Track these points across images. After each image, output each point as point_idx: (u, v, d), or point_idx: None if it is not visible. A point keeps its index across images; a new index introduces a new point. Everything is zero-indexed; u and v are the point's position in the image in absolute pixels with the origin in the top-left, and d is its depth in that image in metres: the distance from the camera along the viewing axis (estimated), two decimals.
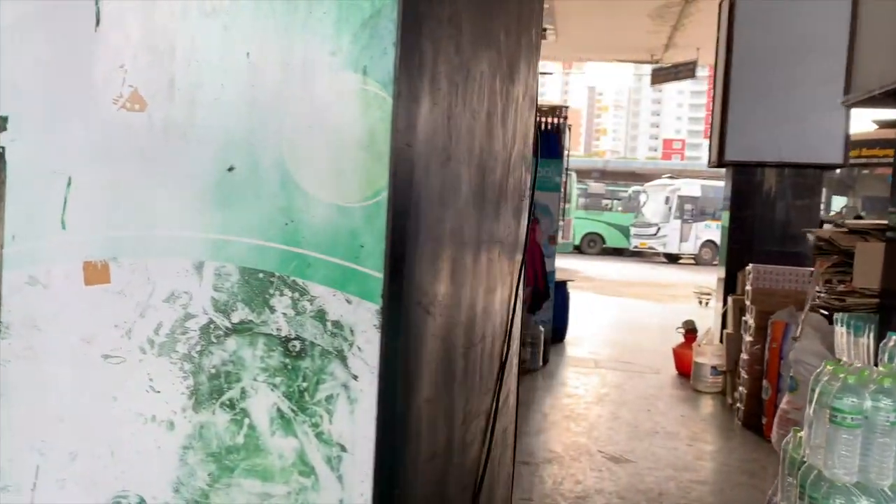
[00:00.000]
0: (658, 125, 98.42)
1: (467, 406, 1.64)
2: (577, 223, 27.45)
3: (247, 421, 1.03)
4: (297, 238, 1.04)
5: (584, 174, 31.58)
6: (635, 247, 27.26)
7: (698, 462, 5.33)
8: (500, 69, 1.58)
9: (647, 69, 16.96)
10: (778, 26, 7.09)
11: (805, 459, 3.34)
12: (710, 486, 4.87)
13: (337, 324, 1.06)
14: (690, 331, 8.06)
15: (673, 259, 26.27)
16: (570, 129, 10.68)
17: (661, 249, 26.67)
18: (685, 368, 7.73)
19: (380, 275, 1.02)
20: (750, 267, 6.45)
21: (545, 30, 12.37)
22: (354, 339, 1.05)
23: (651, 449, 5.49)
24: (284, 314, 1.05)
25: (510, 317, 2.01)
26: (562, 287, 9.75)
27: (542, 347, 8.05)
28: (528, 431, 5.70)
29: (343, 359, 1.05)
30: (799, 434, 3.51)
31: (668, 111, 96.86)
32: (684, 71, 15.62)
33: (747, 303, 6.33)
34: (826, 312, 4.66)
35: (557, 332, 9.58)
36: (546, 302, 8.34)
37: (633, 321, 12.09)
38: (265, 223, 1.04)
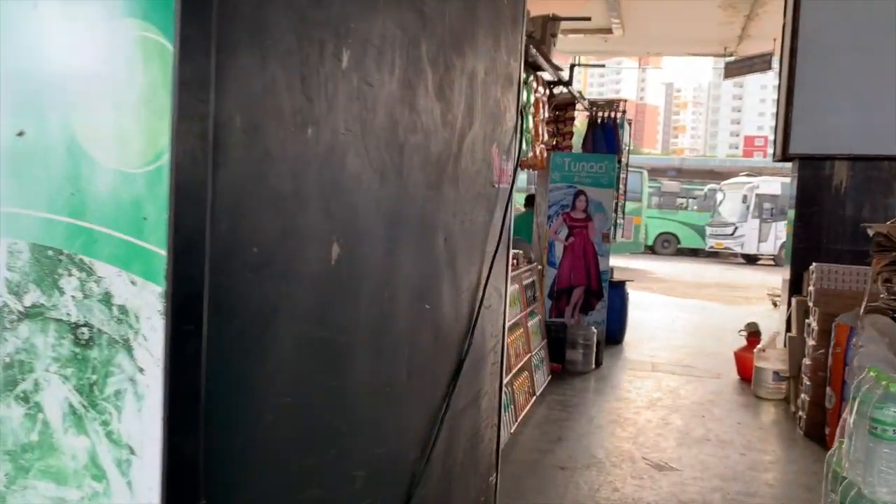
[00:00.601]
0: (739, 121, 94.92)
1: (383, 410, 1.49)
2: (651, 223, 26.71)
3: (41, 416, 0.91)
4: (83, 210, 0.92)
5: (658, 172, 30.71)
6: (711, 247, 26.29)
7: (750, 473, 4.99)
8: (431, 37, 1.46)
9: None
10: (847, 8, 6.61)
11: (846, 475, 3.04)
12: (761, 500, 4.55)
13: (122, 309, 0.93)
14: (753, 334, 7.64)
15: (751, 260, 25.19)
16: (629, 123, 10.35)
17: (738, 250, 25.62)
18: (747, 374, 7.32)
19: (164, 252, 0.91)
20: (813, 266, 6.04)
21: (611, 24, 12.04)
22: (140, 326, 0.92)
23: (700, 457, 5.19)
24: (73, 297, 0.93)
25: (476, 311, 1.87)
26: (619, 287, 9.42)
27: (594, 349, 7.78)
28: (569, 436, 5.50)
29: (129, 349, 0.92)
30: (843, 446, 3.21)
31: (749, 107, 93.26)
32: (759, 63, 14.87)
33: (810, 304, 5.92)
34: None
35: (614, 334, 9.26)
36: (600, 302, 8.06)
37: (700, 324, 11.60)
38: (53, 193, 0.92)
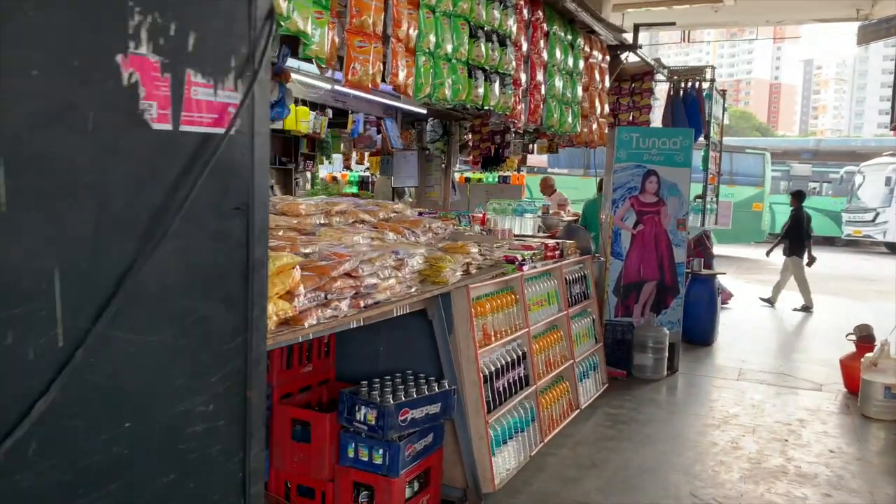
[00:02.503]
0: (889, 98, 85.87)
1: None
2: (778, 209, 24.42)
3: None
4: None
5: (790, 155, 28.25)
6: (848, 235, 23.70)
7: None
8: None
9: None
10: None
11: None
12: None
13: None
14: (865, 338, 6.31)
15: (895, 249, 22.39)
16: (723, 95, 9.06)
17: (879, 238, 22.90)
18: (854, 386, 6.04)
19: None
20: None
21: None
22: None
23: (767, 497, 4.14)
24: None
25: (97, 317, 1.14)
26: (706, 282, 8.24)
27: (666, 353, 6.73)
28: (606, 462, 4.58)
29: None
30: None
31: None
32: None
33: None
34: None
35: (700, 334, 8.11)
36: (675, 300, 6.98)
37: (815, 323, 10.08)
38: None
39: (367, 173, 10.60)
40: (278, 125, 6.24)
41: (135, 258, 1.05)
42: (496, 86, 4.40)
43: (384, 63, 3.41)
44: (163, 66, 1.09)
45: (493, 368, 4.12)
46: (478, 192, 8.80)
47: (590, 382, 5.77)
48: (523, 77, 4.95)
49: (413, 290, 3.44)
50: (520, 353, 4.53)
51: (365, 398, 3.41)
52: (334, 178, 10.79)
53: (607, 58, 6.60)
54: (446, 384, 3.67)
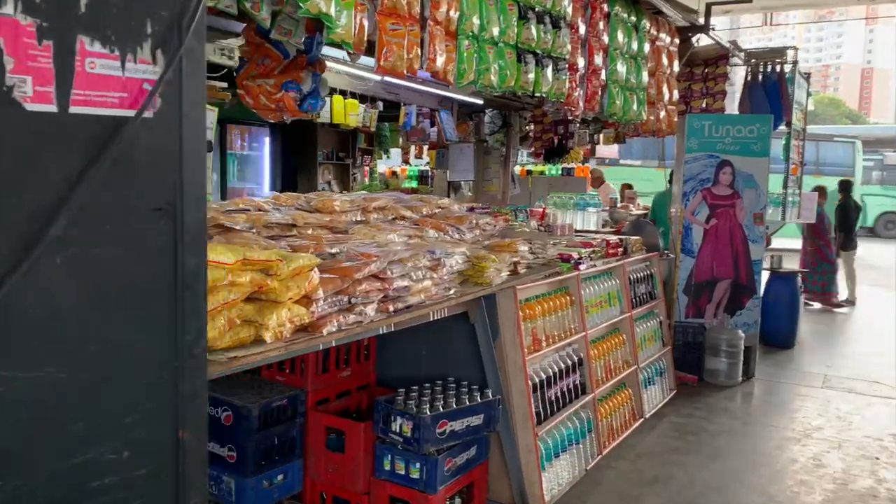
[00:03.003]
0: None
1: None
2: (870, 201, 22.94)
3: None
4: None
5: (884, 143, 26.49)
6: None
7: None
8: None
9: None
10: None
11: None
12: None
13: None
14: None
15: None
16: (807, 78, 8.40)
17: None
18: None
19: None
20: None
21: None
22: None
23: None
24: None
25: None
26: (788, 280, 7.66)
27: (741, 358, 6.25)
28: (670, 478, 4.21)
29: None
30: None
31: None
32: None
33: None
34: None
35: (780, 336, 7.55)
36: (751, 300, 6.47)
37: None
38: None
39: (427, 167, 10.40)
40: (326, 118, 6.08)
41: (5, 273, 0.83)
42: (548, 71, 4.09)
43: (421, 48, 3.16)
44: (40, 31, 0.86)
45: (544, 376, 3.82)
46: (540, 186, 8.46)
47: (656, 389, 5.38)
48: (581, 62, 4.61)
49: (452, 291, 3.18)
50: (576, 358, 4.21)
51: (401, 408, 3.19)
52: (394, 173, 10.63)
53: (676, 40, 6.15)
54: (490, 394, 3.40)
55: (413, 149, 9.07)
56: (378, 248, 2.92)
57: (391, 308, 2.73)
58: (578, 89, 4.58)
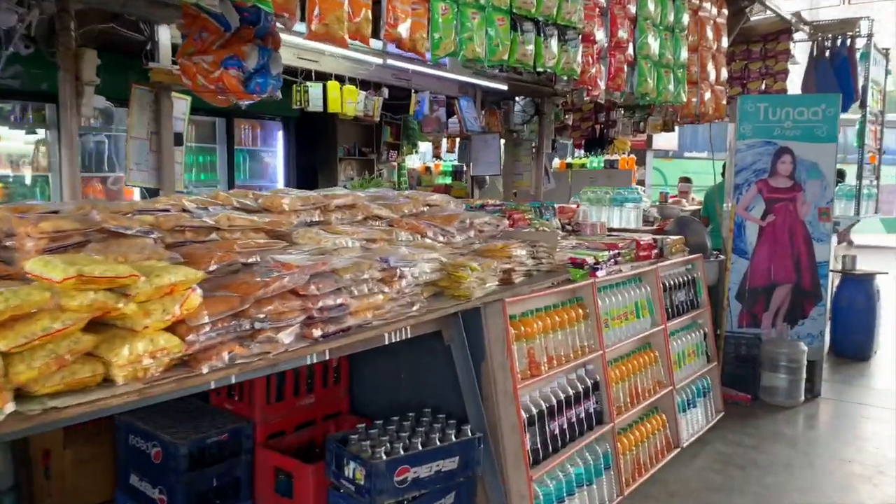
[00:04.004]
0: None
1: None
2: None
3: None
4: None
5: None
6: None
7: None
8: None
9: None
10: None
11: None
12: None
13: None
14: None
15: None
16: (885, 54, 7.43)
17: None
18: None
19: None
20: None
21: None
22: None
23: None
24: None
25: None
26: (863, 283, 6.74)
27: (804, 374, 5.43)
28: None
29: None
30: None
31: None
32: None
33: None
34: None
35: (853, 348, 6.66)
36: (816, 308, 5.64)
37: None
38: None
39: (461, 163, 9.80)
40: (317, 107, 5.52)
41: None
42: (553, 41, 3.45)
43: (376, 10, 2.60)
44: None
45: (545, 405, 3.19)
46: (581, 180, 7.75)
47: (697, 412, 4.66)
48: (600, 34, 3.95)
49: (415, 308, 2.61)
50: (590, 382, 3.56)
51: (354, 450, 2.63)
52: (427, 169, 10.07)
53: (724, 11, 5.39)
54: (469, 431, 2.81)
55: (445, 142, 8.48)
56: (313, 256, 2.37)
57: (318, 333, 2.18)
58: (597, 65, 3.92)
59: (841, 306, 6.80)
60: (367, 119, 6.05)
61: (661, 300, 4.39)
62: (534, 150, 7.16)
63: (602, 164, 8.91)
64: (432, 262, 2.76)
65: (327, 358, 2.28)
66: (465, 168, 9.40)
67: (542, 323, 3.28)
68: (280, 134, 7.88)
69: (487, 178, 7.69)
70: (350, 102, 5.69)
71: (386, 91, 6.08)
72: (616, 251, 4.08)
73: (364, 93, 5.88)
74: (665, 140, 14.46)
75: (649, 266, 4.37)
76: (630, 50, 4.25)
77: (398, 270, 2.50)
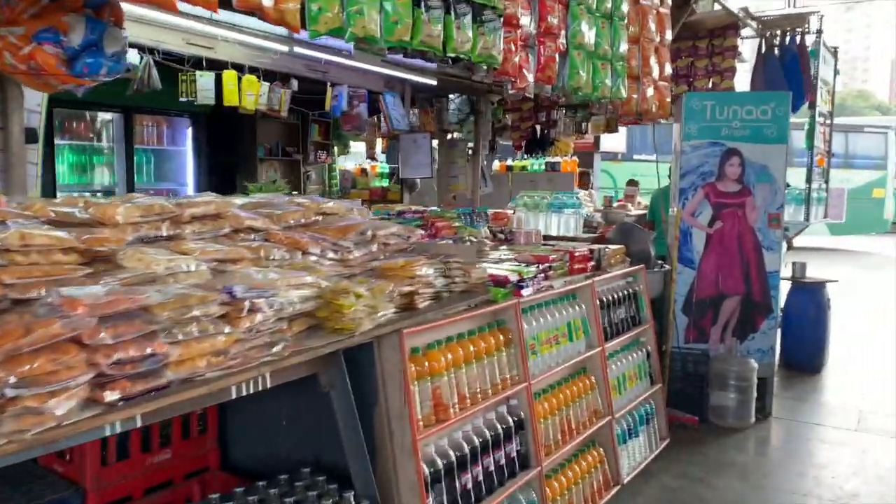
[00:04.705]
0: None
1: None
2: None
3: None
4: None
5: None
6: None
7: None
8: None
9: None
10: None
11: None
12: None
13: None
14: None
15: None
16: (834, 52, 7.14)
17: None
18: None
19: None
20: None
21: None
22: None
23: None
24: None
25: None
26: (814, 292, 6.43)
27: (754, 392, 5.04)
28: None
29: None
30: None
31: None
32: None
33: None
34: None
35: (803, 358, 6.35)
36: (766, 321, 5.25)
37: None
38: None
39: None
40: (208, 99, 4.85)
41: None
42: (466, 22, 2.93)
43: None
44: None
45: (454, 456, 2.67)
46: (522, 183, 7.27)
47: (639, 442, 4.20)
48: (525, 17, 3.45)
49: (277, 348, 2.05)
50: (512, 421, 3.04)
51: None
52: (363, 171, 9.47)
53: (668, 1, 4.96)
54: (352, 499, 2.26)
55: (379, 142, 7.90)
56: (124, 288, 1.79)
57: (113, 396, 1.60)
58: (521, 53, 3.42)
59: (791, 315, 6.47)
60: (273, 114, 5.43)
61: (598, 318, 3.91)
62: (469, 151, 6.64)
63: (543, 167, 8.46)
64: (306, 287, 2.21)
65: (138, 425, 1.71)
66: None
67: (452, 355, 2.75)
68: (189, 132, 7.16)
69: (419, 181, 7.15)
70: (250, 95, 5.03)
71: (295, 83, 5.47)
72: (546, 265, 3.58)
73: (268, 84, 5.25)
74: (614, 141, 14.13)
75: (585, 280, 3.90)
76: (562, 38, 3.77)
77: (248, 303, 1.94)
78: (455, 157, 6.53)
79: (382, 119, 5.86)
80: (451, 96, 6.63)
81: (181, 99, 4.82)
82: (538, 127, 7.19)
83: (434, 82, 5.64)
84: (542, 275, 3.56)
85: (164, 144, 7.02)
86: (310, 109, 6.89)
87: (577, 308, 3.76)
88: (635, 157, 17.76)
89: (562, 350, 3.55)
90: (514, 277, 3.19)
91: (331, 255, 2.69)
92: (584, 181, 8.76)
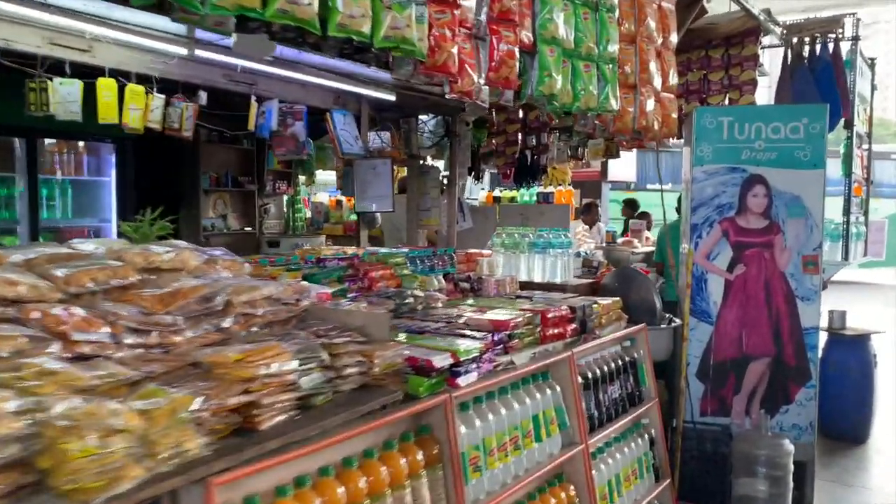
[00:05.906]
0: None
1: None
2: None
3: None
4: None
5: None
6: None
7: None
8: None
9: None
10: None
11: None
12: None
13: None
14: None
15: None
16: (871, 63, 6.16)
17: None
18: None
19: None
20: None
21: None
22: None
23: None
24: None
25: None
26: (856, 346, 5.38)
27: (790, 479, 3.98)
28: None
29: None
30: None
31: None
32: None
33: None
34: None
35: (844, 427, 5.29)
36: (803, 389, 4.20)
37: None
38: None
39: None
40: (74, 115, 3.82)
41: None
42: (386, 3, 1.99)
43: None
44: None
45: None
46: (511, 217, 6.32)
47: None
48: (469, 2, 2.51)
49: None
50: None
51: None
52: (338, 203, 8.47)
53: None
54: None
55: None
56: None
57: None
58: (463, 43, 2.47)
59: (829, 373, 5.40)
60: (173, 133, 4.49)
61: (581, 403, 2.90)
62: (444, 181, 5.69)
63: (535, 199, 7.47)
64: (10, 419, 1.24)
65: None
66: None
67: (331, 494, 1.76)
68: (112, 158, 6.22)
69: (378, 215, 6.19)
70: (135, 109, 4.04)
71: (204, 96, 4.53)
72: (504, 332, 2.60)
73: (162, 97, 4.28)
74: (623, 169, 13.14)
75: (562, 352, 2.89)
76: (527, 29, 2.82)
77: None
78: (427, 187, 5.58)
79: (330, 140, 4.97)
80: (422, 117, 5.72)
81: (28, 112, 3.88)
82: (528, 152, 6.25)
83: (392, 97, 4.72)
84: (502, 348, 2.58)
85: (83, 174, 6.10)
86: (230, 130, 5.97)
87: (548, 392, 2.75)
88: (648, 186, 16.73)
89: (524, 456, 2.53)
90: (444, 361, 2.20)
91: (130, 339, 1.72)
92: (592, 214, 7.79)
